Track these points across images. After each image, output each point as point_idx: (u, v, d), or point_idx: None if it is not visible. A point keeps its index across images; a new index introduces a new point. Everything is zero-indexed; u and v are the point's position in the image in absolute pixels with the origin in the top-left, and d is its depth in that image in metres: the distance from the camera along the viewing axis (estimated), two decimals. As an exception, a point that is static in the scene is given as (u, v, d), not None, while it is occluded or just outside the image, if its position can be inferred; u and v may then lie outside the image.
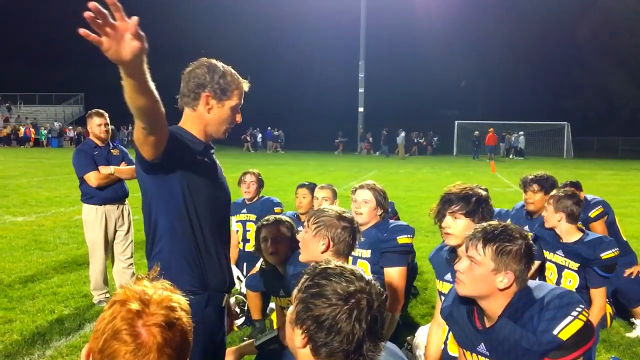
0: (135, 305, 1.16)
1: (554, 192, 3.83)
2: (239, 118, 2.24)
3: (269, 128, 38.99)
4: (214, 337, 2.25)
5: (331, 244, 2.45)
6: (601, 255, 3.48)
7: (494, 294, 1.99)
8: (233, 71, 2.20)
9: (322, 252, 2.44)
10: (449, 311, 2.27)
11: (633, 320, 4.40)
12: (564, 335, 1.87)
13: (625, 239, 5.06)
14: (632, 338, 4.26)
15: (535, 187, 4.48)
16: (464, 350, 2.22)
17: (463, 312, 2.18)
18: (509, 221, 3.48)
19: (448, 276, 2.86)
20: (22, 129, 38.06)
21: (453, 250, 2.83)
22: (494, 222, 2.10)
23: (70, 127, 40.94)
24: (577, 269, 3.62)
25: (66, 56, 49.78)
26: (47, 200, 11.31)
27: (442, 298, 2.89)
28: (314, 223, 2.49)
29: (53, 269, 6.11)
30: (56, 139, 38.78)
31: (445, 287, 2.90)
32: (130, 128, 40.31)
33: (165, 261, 2.08)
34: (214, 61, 2.17)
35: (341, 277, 1.41)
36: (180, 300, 1.23)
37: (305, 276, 1.47)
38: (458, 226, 2.68)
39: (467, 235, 2.10)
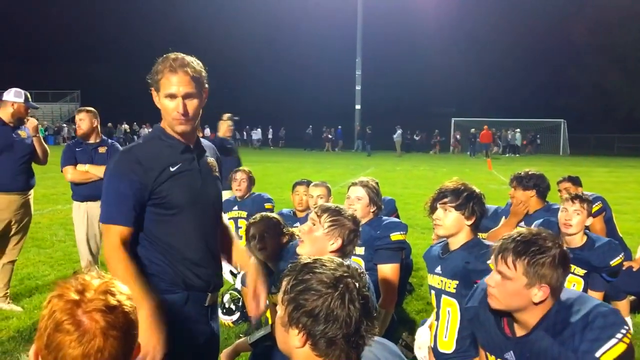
0: (72, 296, 1.15)
1: (579, 192, 3.63)
2: (179, 107, 2.06)
3: (339, 127, 39.13)
4: (199, 336, 2.22)
5: (343, 244, 2.48)
6: (610, 262, 3.45)
7: (529, 307, 1.91)
8: (169, 57, 2.07)
9: (332, 251, 2.44)
10: (475, 313, 2.18)
11: None
12: (606, 359, 1.79)
13: (620, 235, 5.08)
14: None
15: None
16: (488, 354, 2.14)
17: (490, 316, 2.09)
18: (534, 224, 3.52)
19: (438, 269, 2.91)
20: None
21: (445, 246, 2.90)
22: (523, 231, 1.97)
23: (65, 125, 40.79)
24: (583, 275, 3.54)
25: (62, 53, 49.56)
26: (44, 197, 11.28)
27: (433, 292, 2.93)
28: (330, 221, 2.47)
29: (50, 266, 6.12)
30: (52, 136, 38.67)
31: (434, 280, 2.94)
32: (125, 125, 40.24)
33: (141, 262, 2.09)
34: (169, 54, 2.10)
35: (323, 267, 1.42)
36: (118, 285, 1.22)
37: (286, 278, 1.45)
38: (448, 218, 2.76)
39: (493, 247, 2.00)
